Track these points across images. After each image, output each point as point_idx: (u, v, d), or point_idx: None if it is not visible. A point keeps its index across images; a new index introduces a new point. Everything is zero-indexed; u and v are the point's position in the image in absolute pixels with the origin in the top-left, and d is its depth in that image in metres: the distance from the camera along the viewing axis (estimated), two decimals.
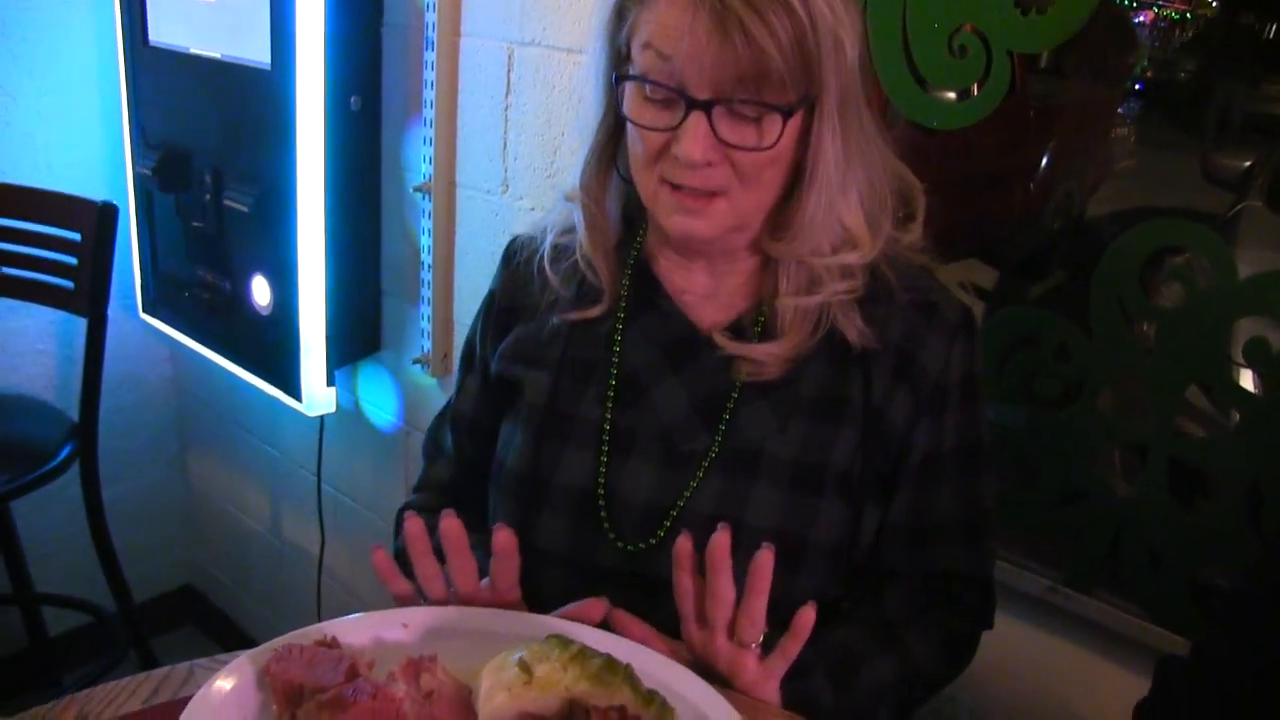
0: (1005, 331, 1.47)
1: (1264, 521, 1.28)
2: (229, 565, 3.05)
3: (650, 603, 1.08)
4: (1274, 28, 1.65)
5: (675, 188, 1.07)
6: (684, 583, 1.01)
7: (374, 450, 2.42)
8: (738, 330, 1.18)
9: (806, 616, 0.97)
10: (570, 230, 1.25)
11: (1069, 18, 1.34)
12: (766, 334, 1.17)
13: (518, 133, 1.90)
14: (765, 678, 1.01)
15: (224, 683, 0.92)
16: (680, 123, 1.03)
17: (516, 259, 1.31)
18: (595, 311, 1.22)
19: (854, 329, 1.14)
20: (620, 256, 1.24)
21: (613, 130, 1.17)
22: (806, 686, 1.07)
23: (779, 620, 1.01)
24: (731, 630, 1.01)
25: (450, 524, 1.01)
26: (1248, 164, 2.22)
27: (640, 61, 1.04)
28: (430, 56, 1.97)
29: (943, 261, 1.22)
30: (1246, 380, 1.31)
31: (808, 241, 1.11)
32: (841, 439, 1.15)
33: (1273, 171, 2.00)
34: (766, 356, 1.15)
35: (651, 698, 0.91)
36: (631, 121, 1.08)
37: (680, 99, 1.02)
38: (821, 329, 1.15)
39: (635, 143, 1.10)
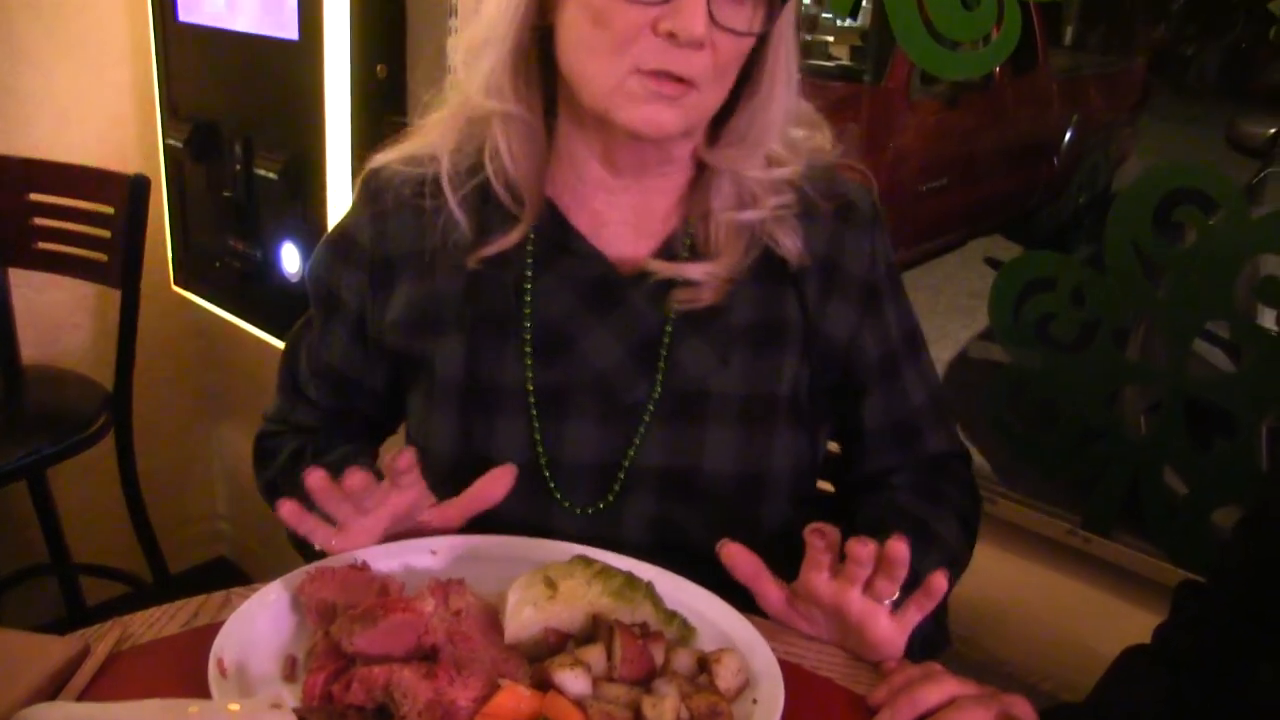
0: (1021, 275, 1.48)
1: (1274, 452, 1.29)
2: (263, 535, 3.09)
3: None
4: None
5: (653, 75, 0.98)
6: (817, 543, 0.96)
7: None
8: (666, 256, 1.12)
9: (939, 582, 0.93)
10: (459, 150, 1.12)
11: None
12: (695, 257, 1.12)
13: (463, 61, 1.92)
14: (899, 632, 0.96)
15: (259, 605, 0.95)
16: None
17: (384, 196, 1.16)
18: (511, 239, 1.10)
19: (793, 246, 1.11)
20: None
21: (532, 28, 1.05)
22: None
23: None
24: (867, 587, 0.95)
25: (315, 479, 0.95)
26: (1273, 131, 2.23)
27: None
28: (454, 24, 2.00)
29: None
30: (1264, 320, 1.32)
31: (754, 150, 1.08)
32: (786, 365, 1.12)
33: None
34: (704, 276, 1.09)
35: (673, 616, 0.94)
36: None
37: None
38: (754, 249, 1.11)
39: (600, 24, 0.98)
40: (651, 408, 1.10)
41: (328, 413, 1.27)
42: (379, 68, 2.11)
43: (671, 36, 0.95)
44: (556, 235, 1.13)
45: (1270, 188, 2.21)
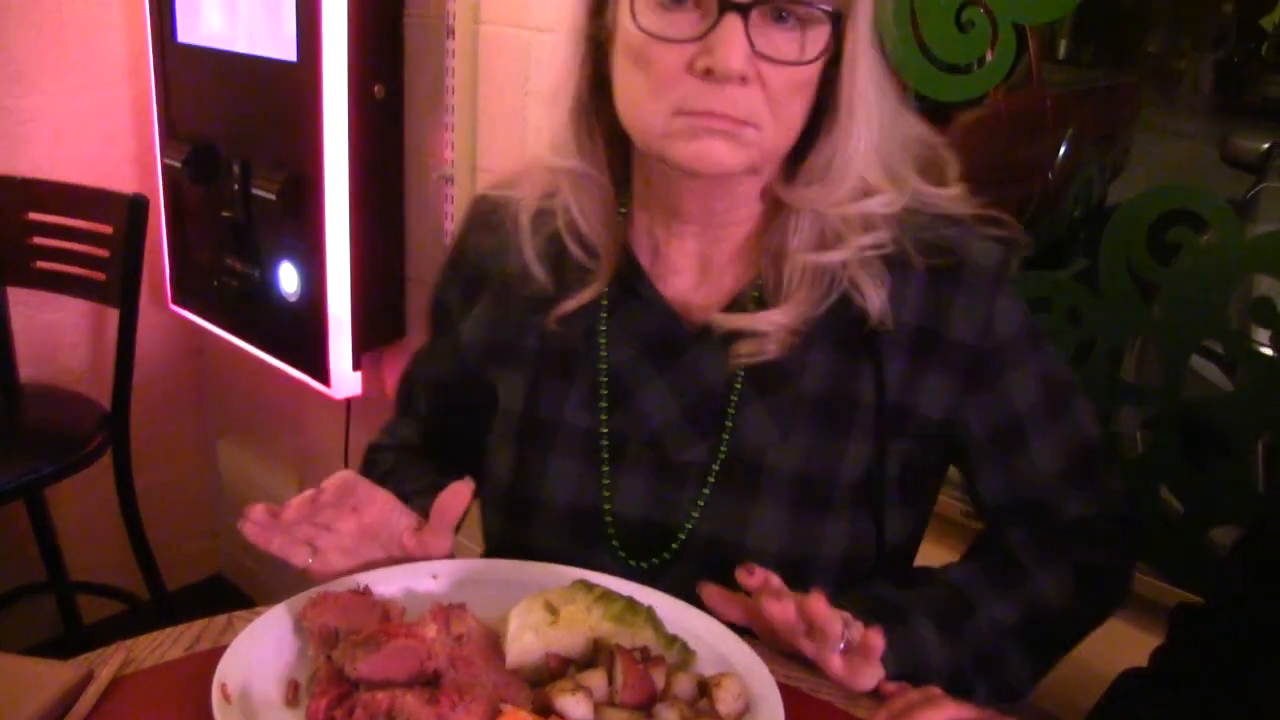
0: (1018, 295, 1.49)
1: (1270, 471, 1.30)
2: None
3: None
4: None
5: (699, 114, 0.93)
6: (748, 584, 0.94)
7: None
8: (734, 309, 1.06)
9: (874, 639, 0.90)
10: (542, 199, 1.10)
11: None
12: (764, 306, 1.04)
13: (539, 118, 1.94)
14: (853, 673, 0.93)
15: (262, 630, 0.96)
16: (711, 29, 0.90)
17: (490, 218, 1.16)
18: (586, 295, 1.08)
19: (876, 297, 1.00)
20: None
21: (593, 79, 1.02)
22: (908, 633, 1.00)
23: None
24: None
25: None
26: (1266, 146, 2.24)
27: None
28: (451, 45, 2.01)
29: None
30: (1258, 339, 1.33)
31: (838, 187, 0.98)
32: (851, 450, 1.04)
33: None
34: (769, 326, 1.01)
35: (673, 640, 0.94)
36: (645, 34, 0.93)
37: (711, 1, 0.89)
38: (833, 294, 1.01)
39: (641, 67, 0.95)
40: (716, 468, 1.06)
41: (431, 427, 1.29)
42: (377, 88, 2.12)
43: (709, 73, 0.91)
44: (628, 278, 1.09)
45: (1264, 202, 2.23)
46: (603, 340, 1.10)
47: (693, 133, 0.94)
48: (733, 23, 0.89)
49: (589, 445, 1.10)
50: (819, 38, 0.93)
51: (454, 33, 2.00)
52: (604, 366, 1.09)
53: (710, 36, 0.90)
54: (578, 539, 1.10)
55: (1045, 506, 1.09)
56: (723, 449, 1.06)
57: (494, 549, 1.17)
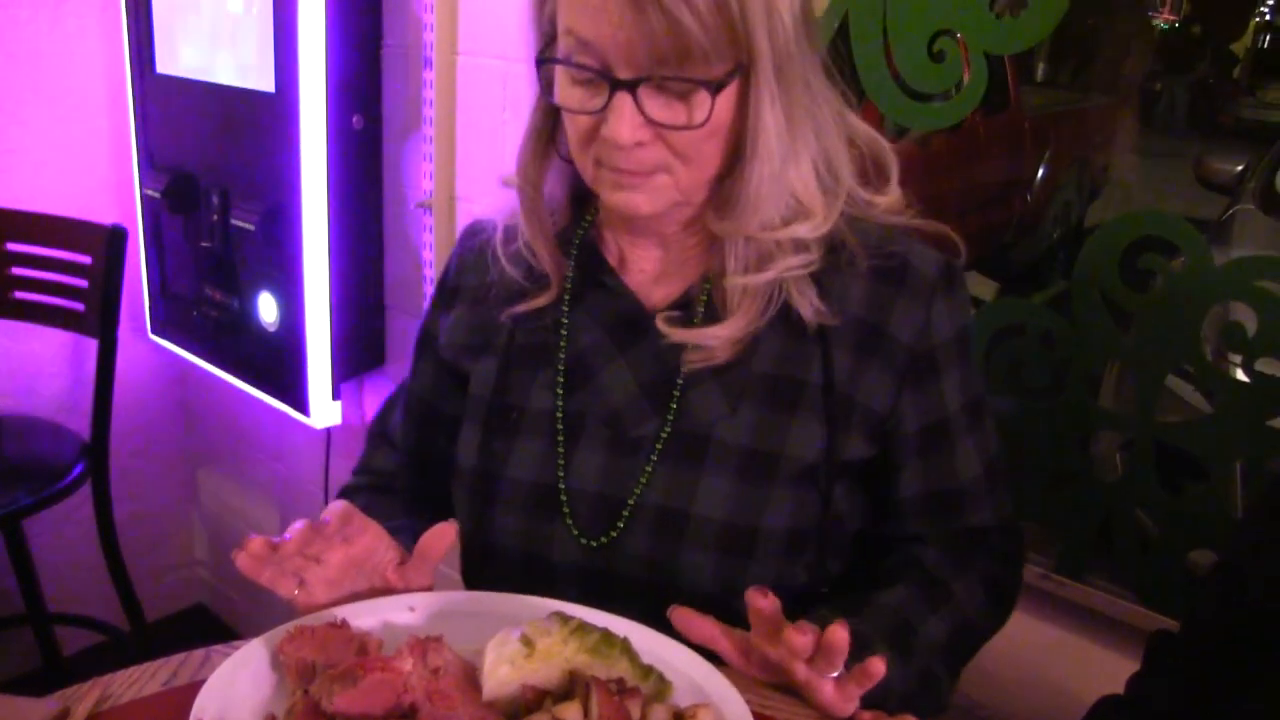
0: (992, 322, 1.50)
1: (1247, 496, 1.31)
2: (240, 583, 3.08)
3: (608, 604, 1.02)
4: (1266, 39, 1.69)
5: (611, 169, 1.03)
6: (760, 607, 0.95)
7: None
8: (685, 306, 1.13)
9: (876, 666, 0.91)
10: (515, 213, 1.19)
11: (1041, 20, 1.38)
12: (711, 312, 1.11)
13: (516, 147, 1.95)
14: (841, 700, 0.95)
15: (239, 664, 0.95)
16: (606, 104, 0.98)
17: (472, 241, 1.26)
18: (542, 300, 1.17)
19: (809, 306, 1.08)
20: (565, 240, 1.18)
21: (550, 110, 1.10)
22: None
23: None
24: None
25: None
26: (1240, 168, 2.25)
27: (563, 44, 1.00)
28: (429, 75, 2.02)
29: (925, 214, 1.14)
30: (1235, 361, 1.34)
31: (754, 217, 1.04)
32: (797, 428, 1.10)
33: (1265, 175, 2.03)
34: (715, 340, 1.09)
35: (649, 670, 0.94)
36: (560, 105, 1.04)
37: (604, 80, 0.97)
38: (773, 307, 1.08)
39: (569, 123, 1.05)
40: (659, 446, 1.12)
41: (407, 453, 1.33)
42: (355, 118, 2.13)
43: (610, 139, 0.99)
44: (592, 273, 1.17)
45: (1239, 224, 2.24)
46: (564, 333, 1.17)
47: (615, 184, 1.04)
48: (622, 99, 0.97)
49: (550, 426, 1.16)
50: (703, 104, 0.97)
51: (432, 63, 2.01)
52: (563, 355, 1.17)
53: (607, 110, 0.98)
54: (536, 516, 1.15)
55: (957, 508, 1.15)
56: (666, 428, 1.12)
57: (462, 530, 1.20)
